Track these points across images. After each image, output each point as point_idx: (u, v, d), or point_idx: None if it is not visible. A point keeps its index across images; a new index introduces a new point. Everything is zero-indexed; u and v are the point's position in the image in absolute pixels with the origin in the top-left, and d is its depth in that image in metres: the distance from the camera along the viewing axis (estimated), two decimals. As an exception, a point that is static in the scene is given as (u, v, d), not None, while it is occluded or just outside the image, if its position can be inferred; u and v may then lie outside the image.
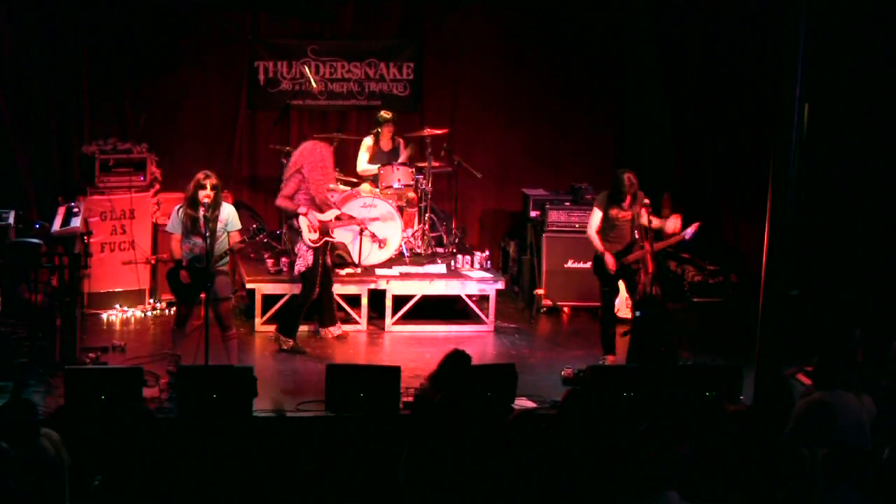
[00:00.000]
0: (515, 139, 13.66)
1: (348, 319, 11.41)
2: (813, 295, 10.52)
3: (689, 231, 10.12)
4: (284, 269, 11.49)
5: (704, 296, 11.91)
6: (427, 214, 12.31)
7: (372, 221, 11.60)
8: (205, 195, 9.33)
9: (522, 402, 9.27)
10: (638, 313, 10.15)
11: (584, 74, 13.67)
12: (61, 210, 10.79)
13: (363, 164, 12.31)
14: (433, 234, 12.49)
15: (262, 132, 13.13)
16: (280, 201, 10.59)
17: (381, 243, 11.70)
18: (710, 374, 9.35)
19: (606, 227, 10.16)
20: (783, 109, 7.97)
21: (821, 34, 8.94)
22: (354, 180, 12.34)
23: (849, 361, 8.66)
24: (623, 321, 10.82)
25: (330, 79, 13.23)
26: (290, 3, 12.98)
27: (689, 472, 6.43)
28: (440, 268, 11.87)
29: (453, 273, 11.86)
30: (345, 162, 12.54)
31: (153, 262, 11.80)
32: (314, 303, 10.82)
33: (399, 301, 11.53)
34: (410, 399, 8.59)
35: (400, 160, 12.25)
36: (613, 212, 10.10)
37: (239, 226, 9.62)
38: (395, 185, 12.07)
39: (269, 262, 11.71)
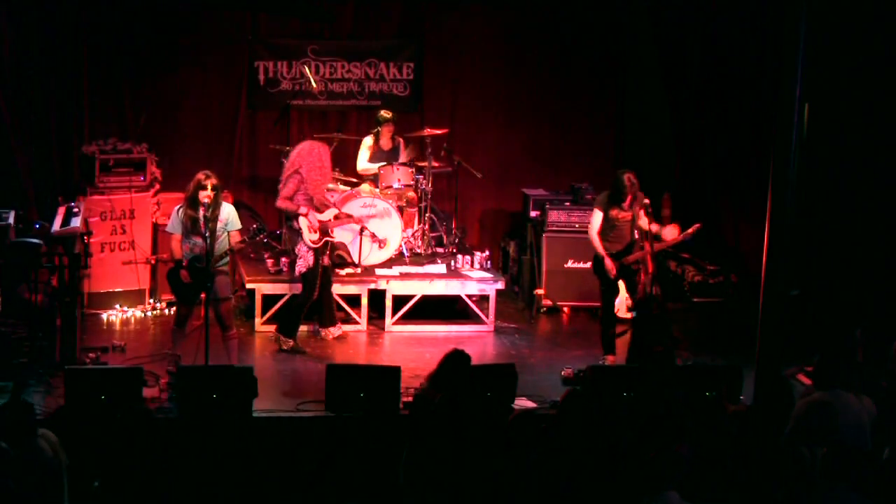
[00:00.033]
0: (515, 139, 13.66)
1: (348, 319, 11.41)
2: (813, 295, 10.52)
3: (689, 232, 10.13)
4: (284, 269, 11.49)
5: (704, 296, 11.92)
6: (427, 214, 12.30)
7: (370, 218, 11.59)
8: (205, 195, 9.33)
9: (522, 402, 9.27)
10: (633, 314, 10.14)
11: (584, 74, 13.68)
12: (61, 210, 10.79)
13: (363, 162, 12.31)
14: (433, 234, 12.49)
15: (262, 132, 13.13)
16: (280, 203, 10.58)
17: (381, 243, 11.70)
18: (710, 374, 9.35)
19: (606, 228, 10.16)
20: (783, 109, 7.96)
21: (821, 34, 8.93)
22: (354, 180, 12.34)
23: (849, 361, 8.66)
24: (623, 321, 10.82)
25: (330, 79, 13.23)
26: (290, 3, 12.98)
27: (689, 472, 6.43)
28: (440, 268, 11.87)
29: (453, 273, 11.85)
30: (345, 162, 12.55)
31: (153, 262, 11.80)
32: (314, 303, 10.82)
33: (399, 301, 11.53)
34: (410, 399, 8.59)
35: (400, 160, 12.25)
36: (614, 212, 10.10)
37: (239, 225, 9.62)
38: (395, 185, 12.07)
39: (269, 262, 11.71)
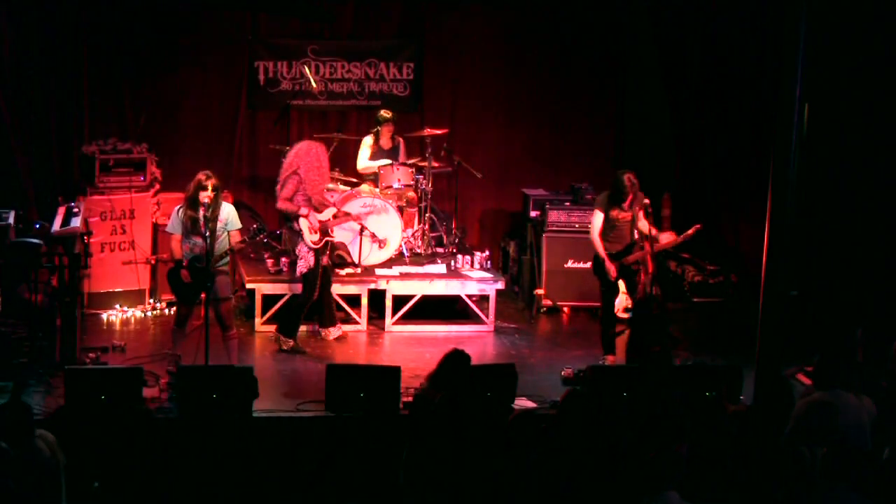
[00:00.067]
0: (515, 139, 13.66)
1: (348, 319, 11.41)
2: (813, 295, 10.52)
3: (689, 233, 10.13)
4: (284, 269, 11.49)
5: (704, 296, 11.92)
6: (427, 214, 12.30)
7: (368, 215, 11.58)
8: (205, 196, 9.33)
9: (522, 402, 9.27)
10: (629, 314, 10.13)
11: (584, 74, 13.68)
12: (61, 210, 10.79)
13: (364, 161, 12.29)
14: (433, 234, 12.49)
15: (262, 132, 13.13)
16: (281, 204, 10.57)
17: (381, 243, 11.70)
18: (710, 374, 9.35)
19: (607, 228, 10.15)
20: (783, 109, 7.96)
21: (821, 34, 8.93)
22: (354, 180, 12.34)
23: (849, 361, 8.66)
24: (622, 321, 10.82)
25: (330, 79, 13.23)
26: (290, 3, 12.98)
27: (689, 472, 6.43)
28: (440, 268, 11.87)
29: (453, 273, 11.85)
30: (345, 162, 12.55)
31: (153, 262, 11.80)
32: (314, 303, 10.82)
33: (399, 301, 11.53)
34: (410, 399, 8.59)
35: (400, 160, 12.25)
36: (614, 213, 10.09)
37: (239, 225, 9.62)
38: (395, 185, 12.08)
39: (269, 262, 11.71)
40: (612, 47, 13.65)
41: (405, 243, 12.06)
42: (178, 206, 9.58)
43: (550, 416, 7.89)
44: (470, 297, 11.73)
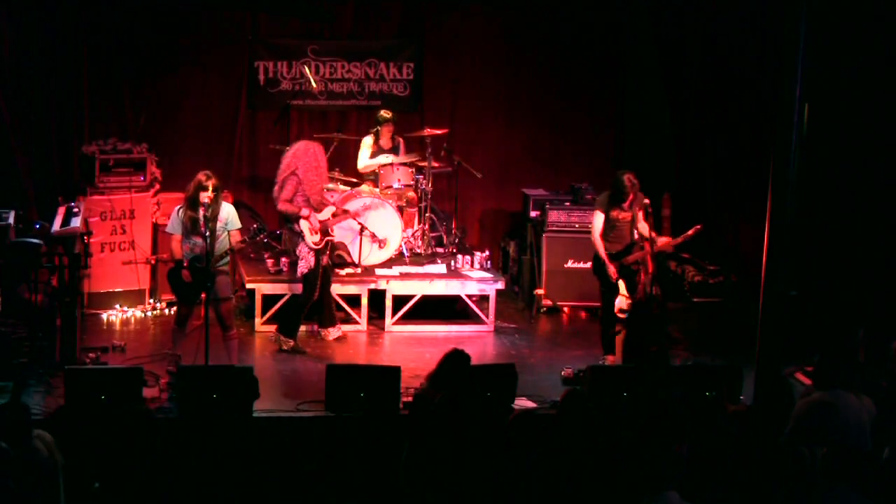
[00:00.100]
0: (515, 139, 13.66)
1: (348, 319, 11.41)
2: (813, 295, 10.52)
3: (689, 234, 10.13)
4: (284, 269, 11.49)
5: (704, 296, 11.90)
6: (427, 214, 12.30)
7: (366, 210, 11.57)
8: (206, 196, 9.33)
9: (522, 402, 9.27)
10: (624, 315, 10.11)
11: (584, 74, 13.67)
12: (61, 210, 10.79)
13: (365, 160, 12.28)
14: (433, 234, 12.49)
15: (262, 132, 13.12)
16: (282, 206, 10.55)
17: (381, 243, 11.70)
18: (710, 374, 9.35)
19: (607, 228, 10.15)
20: (783, 109, 7.97)
21: (821, 34, 8.93)
22: (354, 180, 12.34)
23: (849, 361, 8.65)
24: (620, 321, 10.81)
25: (330, 79, 13.23)
26: (290, 3, 12.98)
27: (689, 472, 6.43)
28: (440, 268, 11.87)
29: (453, 273, 11.85)
30: (345, 162, 12.55)
31: (153, 262, 11.80)
32: (314, 303, 10.82)
33: (399, 301, 11.53)
34: (410, 399, 8.59)
35: (401, 159, 12.25)
36: (614, 213, 10.09)
37: (239, 224, 9.62)
38: (395, 185, 12.07)
39: (269, 262, 11.71)
40: (612, 47, 13.64)
41: (405, 243, 12.06)
42: (178, 207, 9.58)
43: (550, 416, 7.90)
44: (470, 297, 11.73)
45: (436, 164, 12.45)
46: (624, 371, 9.70)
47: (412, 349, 10.91)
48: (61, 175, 12.26)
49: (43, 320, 10.06)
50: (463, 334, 11.45)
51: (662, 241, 10.28)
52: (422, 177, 12.22)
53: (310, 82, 12.93)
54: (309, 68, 13.02)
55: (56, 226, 10.42)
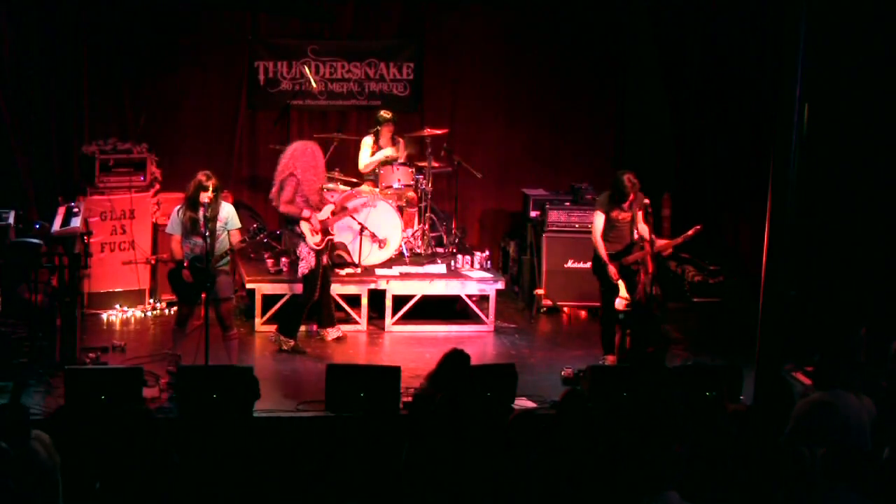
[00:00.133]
0: (515, 139, 13.66)
1: (348, 319, 11.41)
2: (813, 295, 10.52)
3: (689, 234, 10.13)
4: (284, 269, 11.49)
5: (704, 296, 11.91)
6: (427, 214, 12.30)
7: (364, 207, 11.57)
8: (206, 196, 9.33)
9: (522, 402, 9.27)
10: (621, 315, 10.11)
11: (584, 74, 13.67)
12: (61, 210, 10.79)
13: (365, 159, 12.27)
14: (433, 234, 12.49)
15: (262, 132, 13.12)
16: (283, 207, 10.54)
17: (381, 243, 11.70)
18: (710, 374, 9.35)
19: (607, 228, 10.15)
20: (783, 109, 7.98)
21: (821, 34, 8.93)
22: (354, 180, 12.34)
23: (850, 361, 8.66)
24: (618, 321, 10.81)
25: (330, 79, 13.23)
26: (290, 3, 12.98)
27: (689, 472, 6.43)
28: (440, 268, 11.87)
29: (453, 273, 11.85)
30: (345, 162, 12.55)
31: (153, 262, 11.80)
32: (314, 303, 10.82)
33: (399, 301, 11.53)
34: (410, 399, 8.59)
35: (400, 159, 12.25)
36: (615, 213, 10.09)
37: (239, 224, 9.62)
38: (395, 185, 12.07)
39: (269, 262, 11.71)
40: (612, 47, 13.64)
41: (405, 243, 12.06)
42: (178, 207, 9.57)
43: (550, 416, 7.90)
44: (470, 297, 11.73)
45: (436, 164, 12.45)
46: (624, 371, 9.69)
47: (412, 349, 10.91)
48: (61, 175, 12.26)
49: (43, 320, 10.06)
50: (463, 334, 11.45)
51: (661, 243, 10.28)
52: (422, 177, 12.22)
53: (310, 82, 12.93)
54: (309, 68, 13.02)
55: (56, 226, 10.42)
